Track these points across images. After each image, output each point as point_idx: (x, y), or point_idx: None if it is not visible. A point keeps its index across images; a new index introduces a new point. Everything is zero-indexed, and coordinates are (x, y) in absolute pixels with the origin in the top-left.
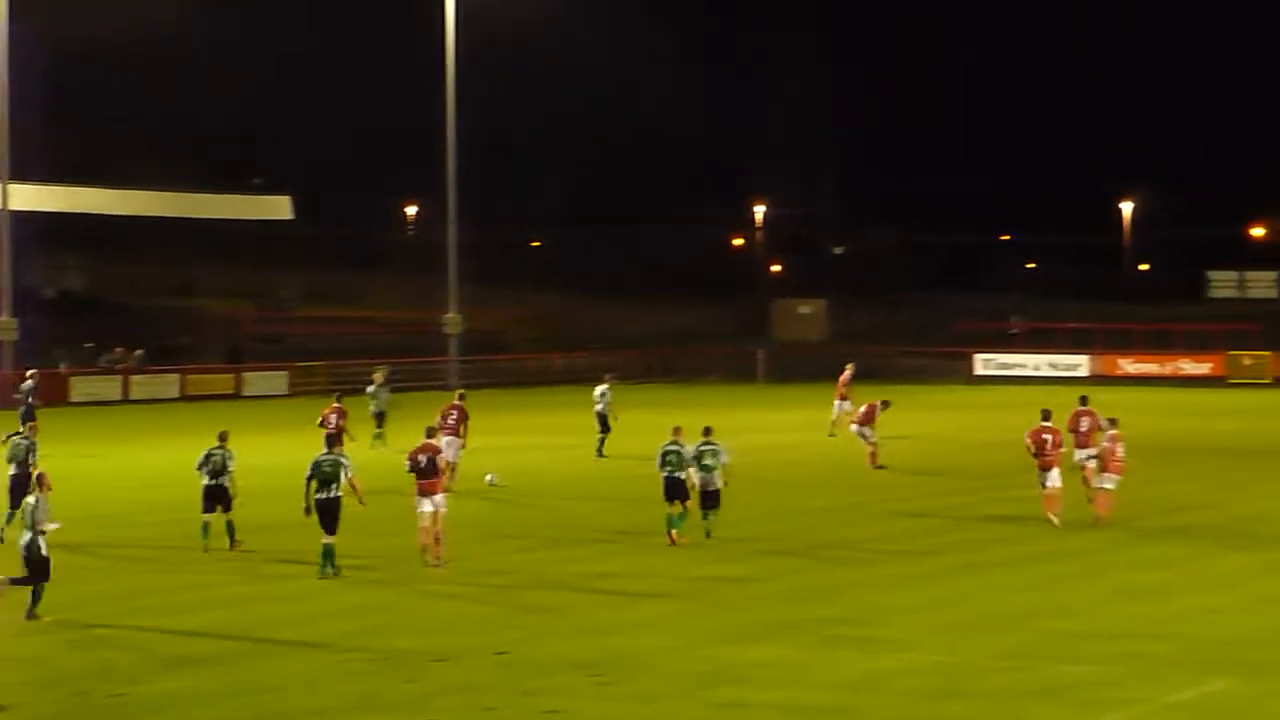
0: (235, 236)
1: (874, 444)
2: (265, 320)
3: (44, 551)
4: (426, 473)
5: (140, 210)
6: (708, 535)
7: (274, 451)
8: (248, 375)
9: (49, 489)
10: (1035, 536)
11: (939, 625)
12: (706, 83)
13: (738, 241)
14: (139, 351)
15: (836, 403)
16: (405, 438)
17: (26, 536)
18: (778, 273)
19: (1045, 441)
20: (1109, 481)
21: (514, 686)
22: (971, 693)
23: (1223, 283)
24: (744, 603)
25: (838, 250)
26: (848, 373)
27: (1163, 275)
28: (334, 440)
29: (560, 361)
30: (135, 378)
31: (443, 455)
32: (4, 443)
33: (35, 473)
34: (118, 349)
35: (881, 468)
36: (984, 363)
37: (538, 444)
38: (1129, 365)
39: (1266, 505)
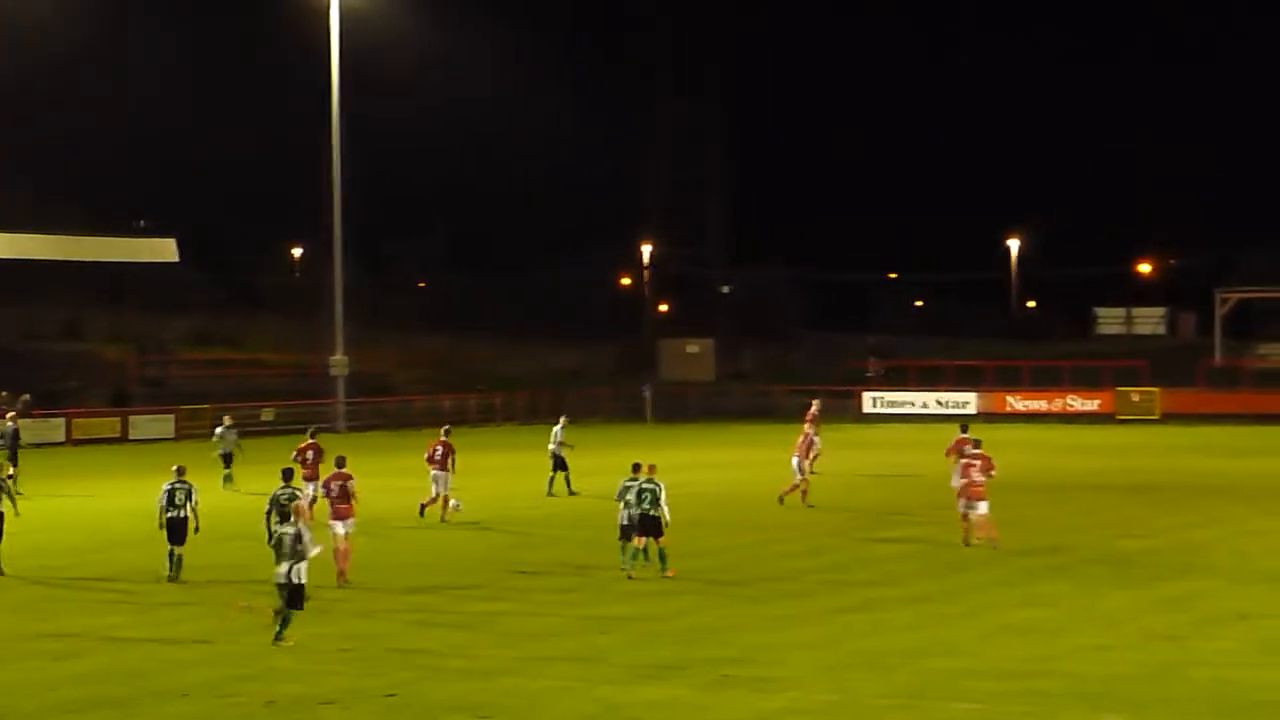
0: (121, 280)
1: (805, 480)
2: (149, 364)
3: (302, 579)
4: (339, 499)
5: (25, 253)
6: (643, 560)
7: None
8: (134, 419)
9: (311, 518)
10: (924, 575)
11: (829, 664)
12: (592, 123)
13: (625, 281)
14: (26, 396)
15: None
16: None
17: (285, 566)
18: (665, 312)
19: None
20: (983, 506)
21: None
22: None
23: (1110, 319)
24: (635, 643)
25: (725, 289)
26: (814, 408)
27: (1050, 312)
28: (290, 474)
29: (448, 403)
30: (21, 421)
31: (434, 488)
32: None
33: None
34: (3, 393)
35: (811, 506)
36: (873, 400)
37: (424, 486)
38: (1017, 402)
39: (1153, 542)
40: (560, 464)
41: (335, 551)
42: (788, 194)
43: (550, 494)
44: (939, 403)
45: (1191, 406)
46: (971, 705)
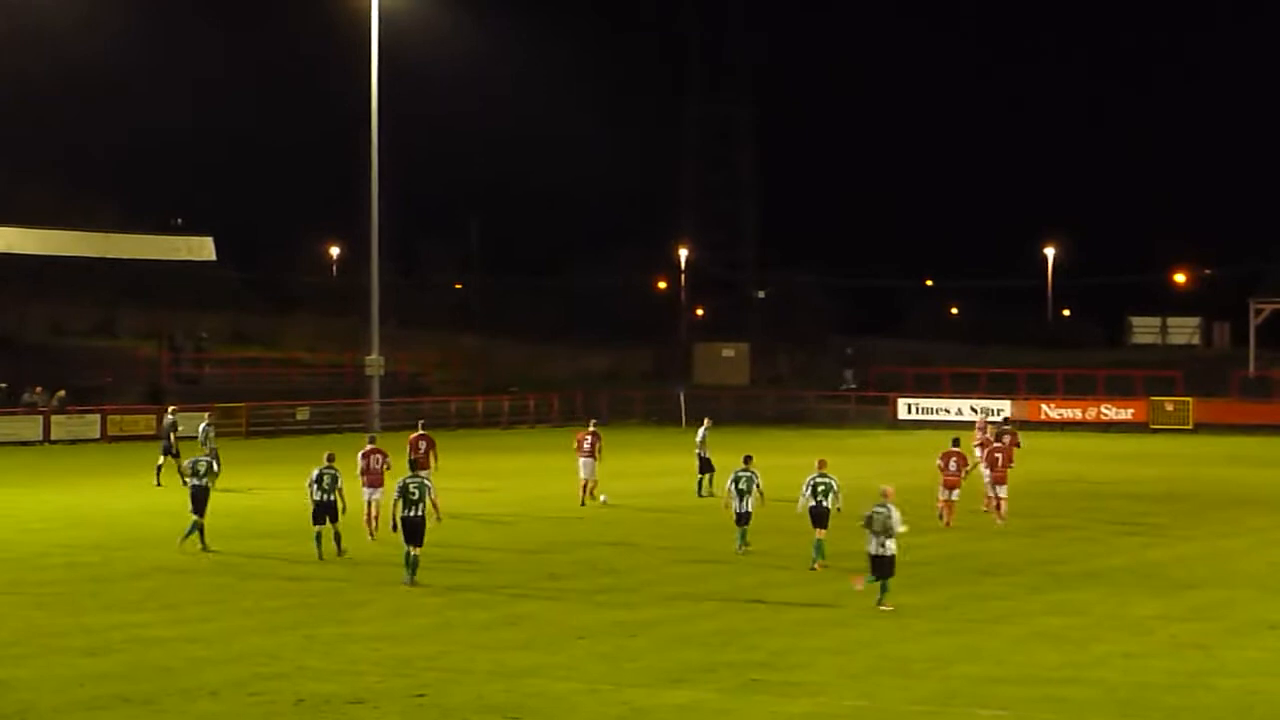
0: (157, 277)
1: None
2: (184, 361)
3: (892, 551)
4: (374, 472)
5: (62, 250)
6: (744, 549)
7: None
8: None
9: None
10: (951, 581)
11: (856, 670)
12: (629, 127)
13: (661, 285)
14: (61, 392)
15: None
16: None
17: (876, 540)
18: (700, 316)
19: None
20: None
21: None
22: None
23: (1145, 328)
24: (662, 646)
25: (760, 294)
26: (983, 418)
27: (1085, 321)
28: (418, 464)
29: (482, 404)
30: (56, 418)
31: (582, 476)
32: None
33: (883, 487)
34: (38, 389)
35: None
36: (907, 407)
37: (457, 486)
38: (1051, 410)
39: (1184, 550)
40: (707, 466)
41: (367, 514)
42: (823, 199)
43: (701, 495)
44: (973, 410)
45: (1224, 417)
46: (999, 712)
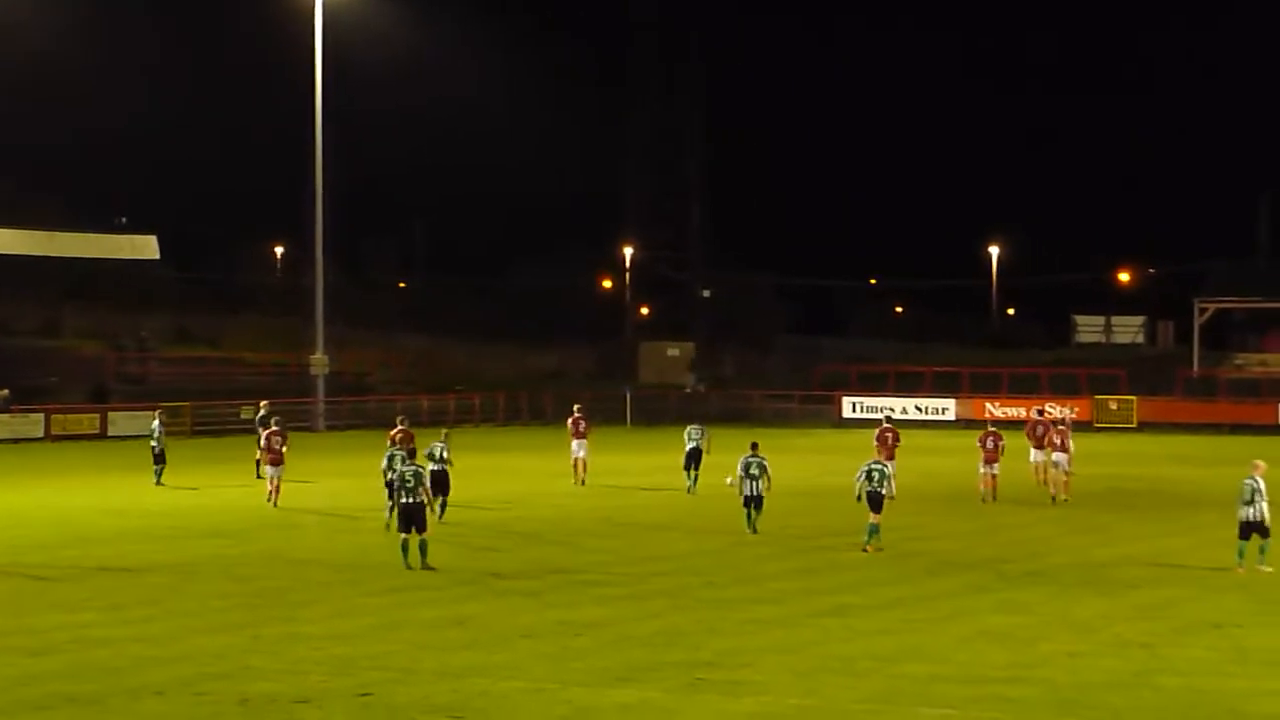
0: (101, 276)
1: (1069, 474)
2: (128, 361)
3: (1260, 517)
4: (275, 450)
5: (6, 249)
6: (754, 530)
7: (137, 492)
8: (114, 415)
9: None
10: (897, 580)
11: (800, 668)
12: (574, 125)
13: (605, 284)
14: (4, 392)
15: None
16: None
17: (1246, 509)
18: (645, 315)
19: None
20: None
21: None
22: None
23: (1089, 327)
24: (607, 645)
25: (706, 293)
26: (1054, 414)
27: (1029, 320)
28: (414, 454)
29: (427, 403)
30: (0, 417)
31: (575, 455)
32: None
33: None
34: None
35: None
36: (852, 406)
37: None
38: (996, 409)
39: (1128, 549)
40: (695, 459)
41: (270, 484)
42: (768, 199)
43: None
44: (918, 409)
45: (1168, 415)
46: (944, 711)
